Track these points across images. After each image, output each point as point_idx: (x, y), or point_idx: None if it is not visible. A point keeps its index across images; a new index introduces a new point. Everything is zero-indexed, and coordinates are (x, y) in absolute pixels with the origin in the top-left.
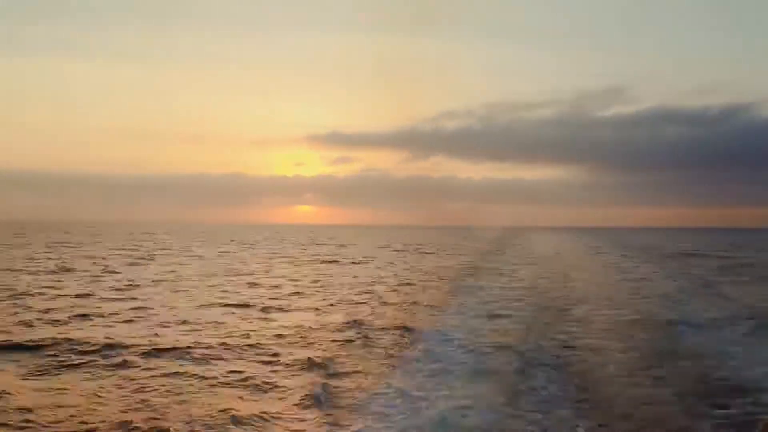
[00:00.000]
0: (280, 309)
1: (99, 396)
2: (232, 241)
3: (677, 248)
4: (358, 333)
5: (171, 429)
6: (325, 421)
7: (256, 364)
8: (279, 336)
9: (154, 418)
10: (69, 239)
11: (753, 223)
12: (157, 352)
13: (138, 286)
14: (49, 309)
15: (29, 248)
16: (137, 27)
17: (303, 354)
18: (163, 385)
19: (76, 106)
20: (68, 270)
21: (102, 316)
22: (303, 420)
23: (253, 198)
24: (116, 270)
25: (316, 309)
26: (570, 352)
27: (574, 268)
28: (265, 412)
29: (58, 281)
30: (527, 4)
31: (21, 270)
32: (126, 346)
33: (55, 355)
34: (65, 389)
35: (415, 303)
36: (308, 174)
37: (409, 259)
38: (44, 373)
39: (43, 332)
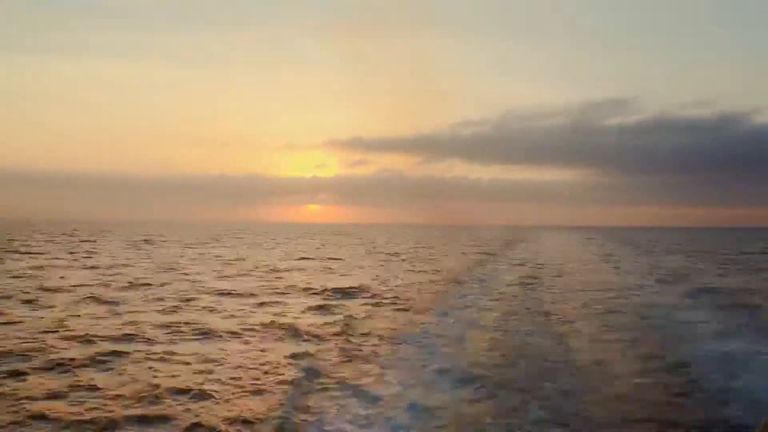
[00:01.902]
0: None
1: None
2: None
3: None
4: None
5: None
6: None
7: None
8: None
9: None
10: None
11: (751, 221)
12: None
13: None
14: None
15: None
16: (171, 30)
17: None
18: None
19: (109, 109)
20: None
21: None
22: None
23: (269, 198)
24: None
25: None
26: None
27: None
28: None
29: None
30: (542, 24)
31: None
32: None
33: None
34: None
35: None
36: (324, 175)
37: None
38: None
39: None
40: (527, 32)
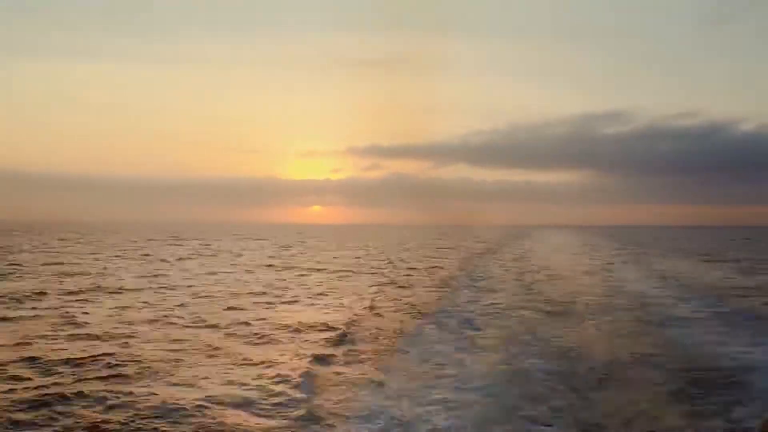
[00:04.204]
0: None
1: None
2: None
3: None
4: None
5: None
6: None
7: None
8: None
9: None
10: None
11: (736, 221)
12: None
13: None
14: None
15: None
16: (205, 35)
17: None
18: None
19: (128, 113)
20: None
21: None
22: None
23: (280, 200)
24: None
25: None
26: None
27: None
28: None
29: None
30: (549, 45)
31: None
32: None
33: None
34: None
35: None
36: (336, 177)
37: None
38: None
39: None
40: (544, 61)
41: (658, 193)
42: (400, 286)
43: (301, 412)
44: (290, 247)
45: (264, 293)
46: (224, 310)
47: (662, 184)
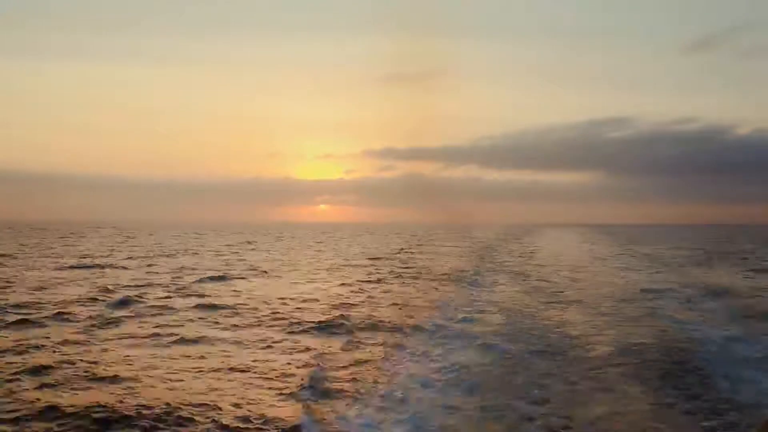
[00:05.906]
0: None
1: None
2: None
3: None
4: None
5: None
6: None
7: None
8: None
9: None
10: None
11: (733, 219)
12: None
13: None
14: None
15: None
16: (231, 40)
17: None
18: None
19: (154, 116)
20: None
21: None
22: None
23: (294, 199)
24: None
25: None
26: None
27: None
28: None
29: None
30: (557, 54)
31: None
32: None
33: None
34: None
35: None
36: (350, 177)
37: None
38: None
39: None
40: (551, 73)
41: (659, 193)
42: None
43: None
44: None
45: None
46: None
47: (663, 185)
